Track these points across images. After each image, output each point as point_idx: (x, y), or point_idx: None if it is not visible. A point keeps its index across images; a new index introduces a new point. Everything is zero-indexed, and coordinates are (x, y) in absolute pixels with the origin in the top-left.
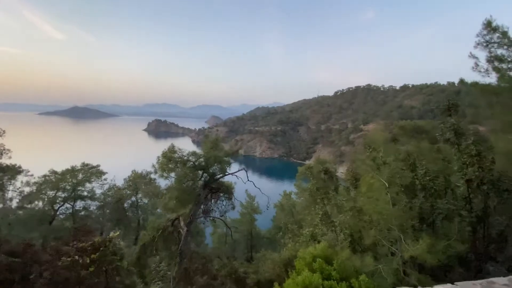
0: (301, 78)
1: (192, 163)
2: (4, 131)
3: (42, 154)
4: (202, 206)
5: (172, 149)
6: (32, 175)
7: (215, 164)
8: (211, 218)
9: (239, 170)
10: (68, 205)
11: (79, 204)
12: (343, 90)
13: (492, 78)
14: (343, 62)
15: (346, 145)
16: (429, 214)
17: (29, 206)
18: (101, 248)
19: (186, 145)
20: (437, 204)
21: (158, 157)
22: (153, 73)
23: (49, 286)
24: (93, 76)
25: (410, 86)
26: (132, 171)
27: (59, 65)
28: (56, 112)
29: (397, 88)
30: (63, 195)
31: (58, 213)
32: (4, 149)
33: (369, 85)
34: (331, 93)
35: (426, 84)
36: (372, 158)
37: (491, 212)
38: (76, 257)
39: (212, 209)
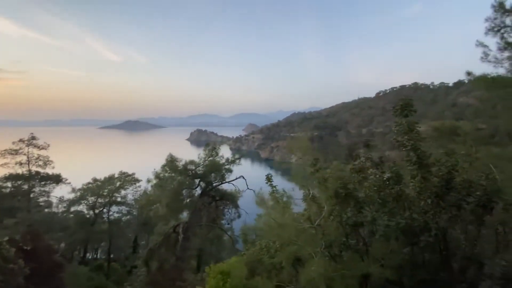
0: (340, 81)
1: (190, 171)
2: (48, 145)
3: (95, 163)
4: (202, 214)
5: (173, 158)
6: (70, 183)
7: (215, 172)
8: (215, 226)
9: (236, 178)
10: (105, 210)
11: (114, 208)
12: (386, 90)
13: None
14: (386, 61)
15: (391, 150)
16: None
17: (73, 210)
18: None
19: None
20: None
21: (163, 165)
22: (195, 85)
23: None
24: (143, 91)
25: (466, 81)
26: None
27: (116, 84)
28: (113, 125)
29: (450, 84)
30: (102, 201)
31: (97, 217)
32: (48, 161)
33: (415, 83)
34: (372, 95)
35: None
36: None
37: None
38: None
39: (218, 217)
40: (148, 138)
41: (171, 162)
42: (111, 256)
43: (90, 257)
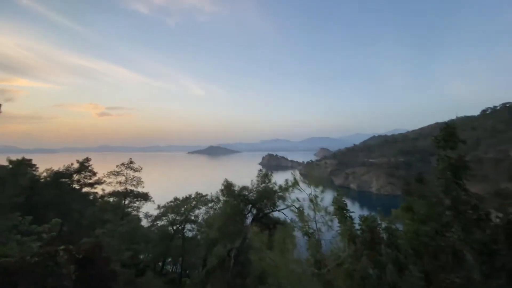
0: (431, 98)
1: (243, 197)
2: (141, 168)
3: (180, 184)
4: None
5: (229, 183)
6: (154, 201)
7: (267, 199)
8: None
9: (288, 207)
10: (181, 227)
11: (188, 226)
12: (495, 107)
13: None
14: (493, 72)
15: (509, 181)
16: None
17: (157, 224)
18: None
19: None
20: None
21: (220, 189)
22: (267, 112)
23: None
24: (222, 120)
25: None
26: None
27: (201, 114)
28: (198, 151)
29: None
30: (179, 218)
31: (175, 233)
32: (140, 181)
33: None
34: (476, 113)
35: None
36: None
37: None
38: None
39: None
40: (225, 162)
41: (227, 186)
42: (187, 271)
43: (170, 270)
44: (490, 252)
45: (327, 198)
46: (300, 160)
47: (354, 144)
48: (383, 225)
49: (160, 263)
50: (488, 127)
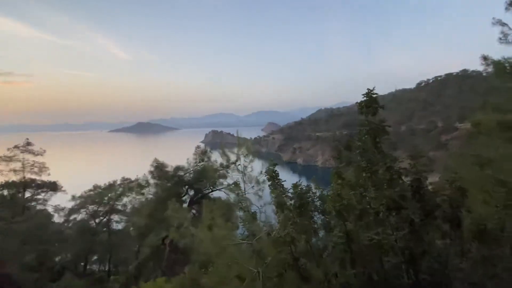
0: (373, 73)
1: (177, 178)
2: (44, 151)
3: (101, 169)
4: None
5: (159, 163)
6: (65, 191)
7: (206, 179)
8: None
9: (229, 185)
10: (106, 219)
11: (116, 218)
12: (428, 80)
13: None
14: (428, 47)
15: (436, 150)
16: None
17: (71, 219)
18: None
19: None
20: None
21: (149, 171)
22: (210, 83)
23: None
24: (155, 92)
25: None
26: None
27: (127, 84)
28: (123, 129)
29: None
30: (102, 209)
31: (98, 226)
32: (43, 167)
33: (464, 70)
34: (413, 86)
35: None
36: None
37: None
38: None
39: None
40: (160, 142)
41: (158, 167)
42: (118, 268)
43: (97, 269)
44: (398, 207)
45: (259, 167)
46: (248, 136)
47: (302, 118)
48: (318, 193)
49: (82, 263)
50: (421, 99)
